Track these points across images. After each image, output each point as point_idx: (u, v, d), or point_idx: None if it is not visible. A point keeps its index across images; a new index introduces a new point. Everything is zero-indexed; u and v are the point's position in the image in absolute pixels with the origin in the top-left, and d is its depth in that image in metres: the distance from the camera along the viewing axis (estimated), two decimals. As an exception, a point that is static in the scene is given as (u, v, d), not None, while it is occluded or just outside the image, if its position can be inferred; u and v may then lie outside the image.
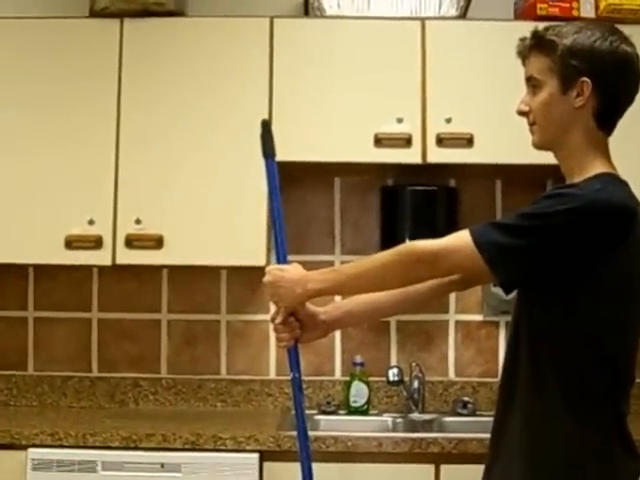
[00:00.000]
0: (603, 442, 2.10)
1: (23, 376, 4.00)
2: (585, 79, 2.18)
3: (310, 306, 2.48)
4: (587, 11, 3.64)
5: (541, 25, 2.30)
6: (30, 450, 3.23)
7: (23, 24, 3.72)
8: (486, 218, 3.91)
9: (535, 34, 2.26)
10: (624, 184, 2.20)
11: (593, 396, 2.10)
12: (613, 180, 2.18)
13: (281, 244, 2.53)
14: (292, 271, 2.38)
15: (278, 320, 2.44)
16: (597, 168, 2.19)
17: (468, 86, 3.58)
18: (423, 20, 3.68)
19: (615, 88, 2.21)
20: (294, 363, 2.54)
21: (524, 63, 2.30)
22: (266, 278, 2.40)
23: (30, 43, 3.71)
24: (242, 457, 3.20)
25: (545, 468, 2.12)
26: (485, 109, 3.51)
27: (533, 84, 2.27)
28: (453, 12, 3.74)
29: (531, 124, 2.29)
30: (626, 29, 3.52)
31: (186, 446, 3.22)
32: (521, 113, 2.30)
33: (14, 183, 3.65)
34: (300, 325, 2.47)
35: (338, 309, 2.58)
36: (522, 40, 2.30)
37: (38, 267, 3.98)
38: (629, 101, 2.26)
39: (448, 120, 3.61)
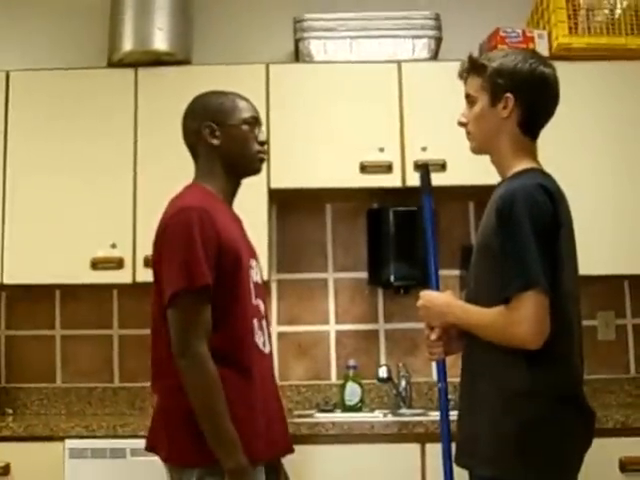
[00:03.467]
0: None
1: (53, 388, 4.43)
2: (509, 95, 2.63)
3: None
4: (541, 50, 4.07)
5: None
6: (67, 441, 3.66)
7: (48, 75, 4.21)
8: (461, 235, 4.40)
9: (470, 59, 2.73)
10: (545, 174, 2.65)
11: (551, 353, 2.48)
12: (534, 173, 2.63)
13: (434, 273, 2.93)
14: (441, 298, 2.77)
15: (433, 337, 2.79)
16: (523, 166, 2.64)
17: (440, 118, 3.95)
18: (399, 62, 4.16)
19: (534, 101, 2.66)
20: (442, 374, 2.92)
21: (464, 83, 2.76)
22: (419, 302, 2.80)
23: (55, 90, 4.20)
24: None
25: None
26: (456, 138, 3.79)
27: (470, 100, 2.73)
28: (425, 55, 4.22)
29: (468, 133, 2.76)
30: (576, 66, 4.08)
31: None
32: (460, 124, 2.76)
33: (45, 213, 4.10)
34: (449, 340, 2.81)
35: None
36: (462, 65, 2.75)
37: (64, 290, 4.44)
38: (549, 112, 2.71)
39: (424, 149, 4.07)
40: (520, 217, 2.48)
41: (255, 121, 2.94)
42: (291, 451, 2.89)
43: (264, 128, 3.02)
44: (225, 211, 2.87)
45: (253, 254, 2.92)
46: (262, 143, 2.93)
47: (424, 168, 3.10)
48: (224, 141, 2.88)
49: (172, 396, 2.65)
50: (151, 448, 2.79)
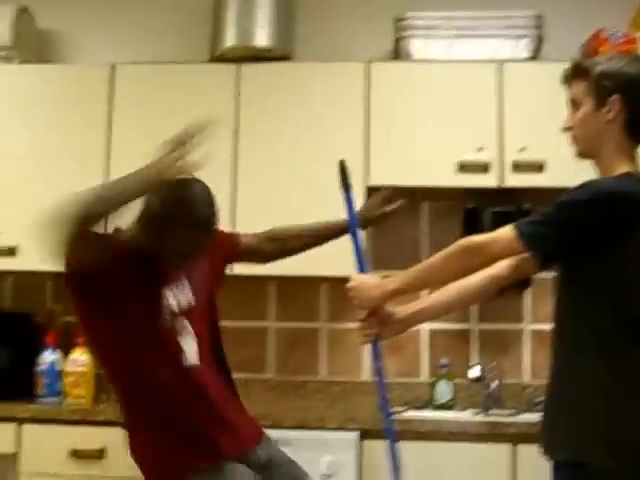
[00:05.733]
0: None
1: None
2: (615, 97, 2.59)
3: (388, 308, 2.91)
4: (643, 53, 4.07)
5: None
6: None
7: (152, 68, 4.33)
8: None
9: (575, 63, 2.70)
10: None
11: (624, 352, 2.49)
12: (630, 177, 2.58)
13: (361, 258, 3.02)
14: (371, 278, 2.88)
15: (359, 318, 2.92)
16: (622, 169, 2.60)
17: (540, 119, 4.01)
18: (500, 62, 4.15)
19: None
20: (375, 355, 2.99)
21: (568, 88, 2.71)
22: (349, 284, 2.88)
23: (158, 83, 4.31)
24: (344, 435, 3.67)
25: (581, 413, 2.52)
26: (555, 139, 3.76)
27: (574, 104, 2.68)
28: (526, 55, 4.20)
29: (573, 137, 2.71)
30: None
31: (296, 424, 3.71)
32: (565, 129, 2.73)
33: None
34: (380, 324, 2.91)
35: (410, 308, 2.97)
36: (565, 70, 2.71)
37: (161, 280, 4.52)
38: None
39: (522, 149, 4.06)
40: (587, 195, 2.49)
41: None
42: (260, 439, 3.08)
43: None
44: None
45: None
46: None
47: (341, 164, 3.14)
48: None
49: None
50: None
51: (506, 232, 2.57)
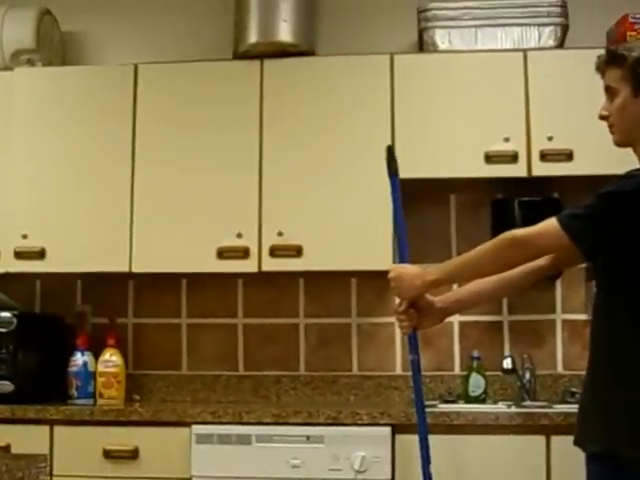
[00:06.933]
0: None
1: (178, 375, 4.54)
2: None
3: (428, 297, 2.92)
4: (673, 38, 4.02)
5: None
6: (194, 426, 3.73)
7: (175, 68, 4.32)
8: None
9: (608, 51, 2.68)
10: None
11: None
12: None
13: (403, 247, 3.00)
14: (412, 268, 2.87)
15: (399, 310, 2.91)
16: None
17: (567, 107, 3.98)
18: (525, 51, 4.10)
19: None
20: (413, 347, 2.99)
21: (602, 76, 2.69)
22: (390, 274, 2.87)
23: (182, 82, 4.30)
24: (376, 430, 3.64)
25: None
26: (583, 127, 3.79)
27: (610, 92, 2.65)
28: (551, 43, 4.15)
29: (610, 126, 2.68)
30: None
31: (328, 421, 3.68)
32: (602, 117, 2.69)
33: (172, 202, 4.20)
34: (419, 314, 2.92)
35: (449, 298, 2.99)
36: (599, 57, 2.69)
37: (190, 279, 4.52)
38: None
39: (550, 138, 4.01)
40: (632, 185, 2.47)
41: None
42: None
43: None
44: None
45: None
46: None
47: (389, 150, 3.16)
48: None
49: None
50: None
51: (551, 225, 2.53)
